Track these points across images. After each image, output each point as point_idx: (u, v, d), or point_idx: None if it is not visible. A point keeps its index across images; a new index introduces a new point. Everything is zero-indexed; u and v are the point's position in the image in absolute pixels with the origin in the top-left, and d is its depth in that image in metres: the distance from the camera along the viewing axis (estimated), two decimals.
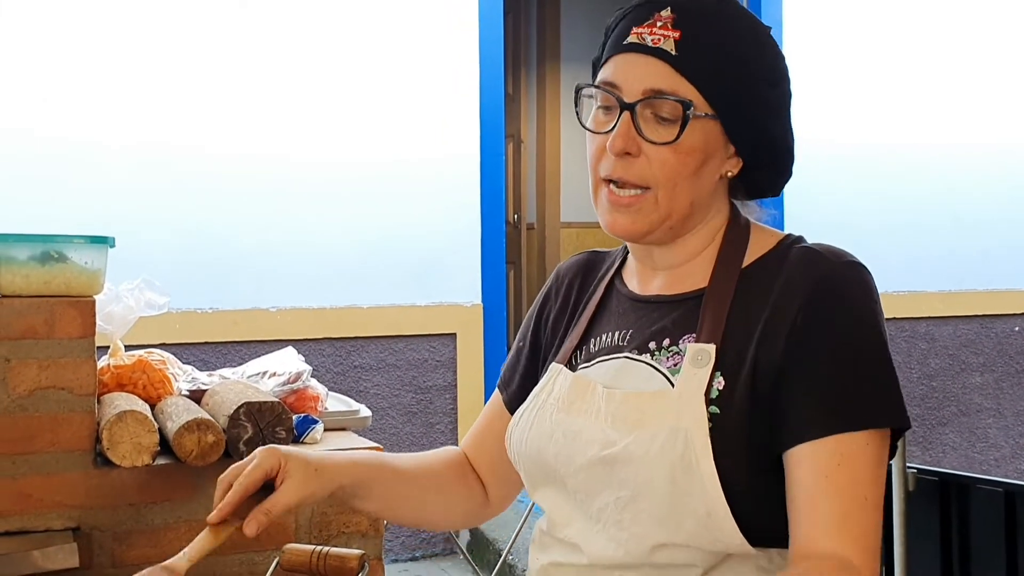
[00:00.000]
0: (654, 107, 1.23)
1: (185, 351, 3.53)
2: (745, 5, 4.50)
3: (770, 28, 1.32)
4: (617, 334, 1.33)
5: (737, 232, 1.31)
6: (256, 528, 1.25)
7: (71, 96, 3.61)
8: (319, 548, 1.32)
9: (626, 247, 1.41)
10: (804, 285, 1.20)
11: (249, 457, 1.30)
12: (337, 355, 4.00)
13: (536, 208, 7.13)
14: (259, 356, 2.25)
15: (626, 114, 1.23)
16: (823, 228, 3.65)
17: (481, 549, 4.08)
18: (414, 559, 4.03)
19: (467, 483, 1.50)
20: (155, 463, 1.69)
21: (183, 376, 2.05)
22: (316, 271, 3.95)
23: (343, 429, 2.07)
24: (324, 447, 1.89)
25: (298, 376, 2.03)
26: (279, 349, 2.24)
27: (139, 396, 1.88)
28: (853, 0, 4.92)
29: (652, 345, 1.27)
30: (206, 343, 3.77)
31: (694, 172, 1.25)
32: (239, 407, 1.73)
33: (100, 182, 3.62)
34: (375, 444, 1.92)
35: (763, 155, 1.31)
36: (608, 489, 1.21)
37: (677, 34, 1.23)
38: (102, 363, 1.91)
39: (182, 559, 1.26)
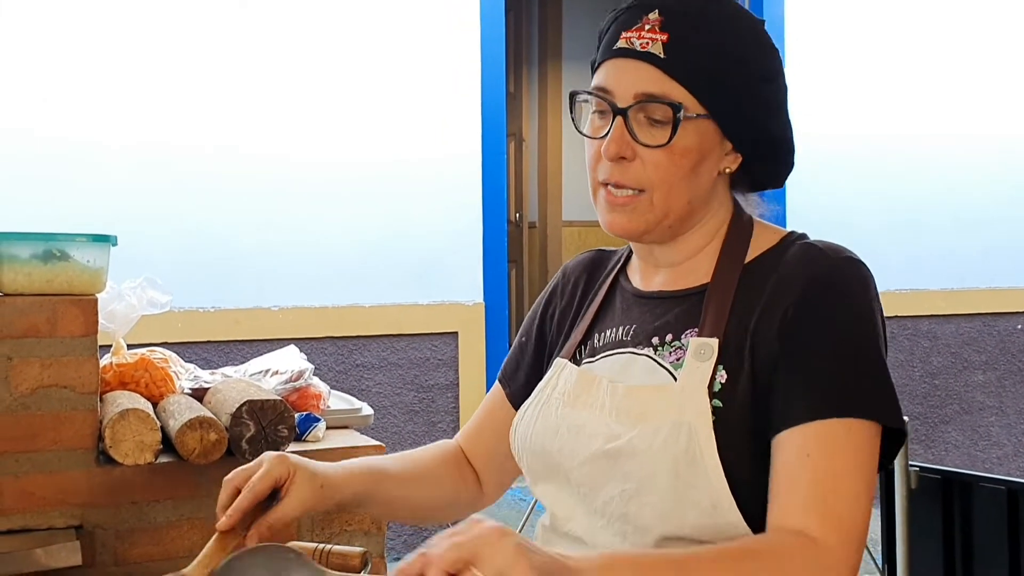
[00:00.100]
0: (646, 111, 1.24)
1: (187, 350, 3.53)
2: (746, 1, 4.52)
3: (763, 22, 1.32)
4: (621, 329, 1.34)
5: (740, 228, 1.32)
6: (258, 539, 1.26)
7: (71, 96, 3.61)
8: (321, 546, 1.32)
9: (631, 245, 1.42)
10: (801, 279, 1.21)
11: (256, 461, 1.30)
12: (339, 354, 4.00)
13: (538, 207, 7.13)
14: (261, 355, 2.25)
15: (619, 119, 1.25)
16: (825, 225, 3.64)
17: None
18: None
19: (462, 476, 1.52)
20: (157, 461, 1.69)
21: (185, 374, 2.06)
22: (318, 270, 3.95)
23: (345, 427, 2.07)
24: (326, 445, 1.89)
25: (300, 374, 2.04)
26: (281, 348, 2.24)
27: (141, 394, 1.88)
28: None
29: (655, 340, 1.28)
30: (208, 342, 3.77)
31: (689, 172, 1.26)
32: (241, 405, 1.73)
33: (101, 182, 3.62)
34: (377, 442, 1.93)
35: (762, 149, 1.32)
36: (612, 482, 1.22)
37: (665, 37, 1.24)
38: (104, 361, 1.91)
39: (200, 569, 1.24)
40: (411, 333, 4.11)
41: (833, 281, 1.20)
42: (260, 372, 2.08)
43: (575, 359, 1.38)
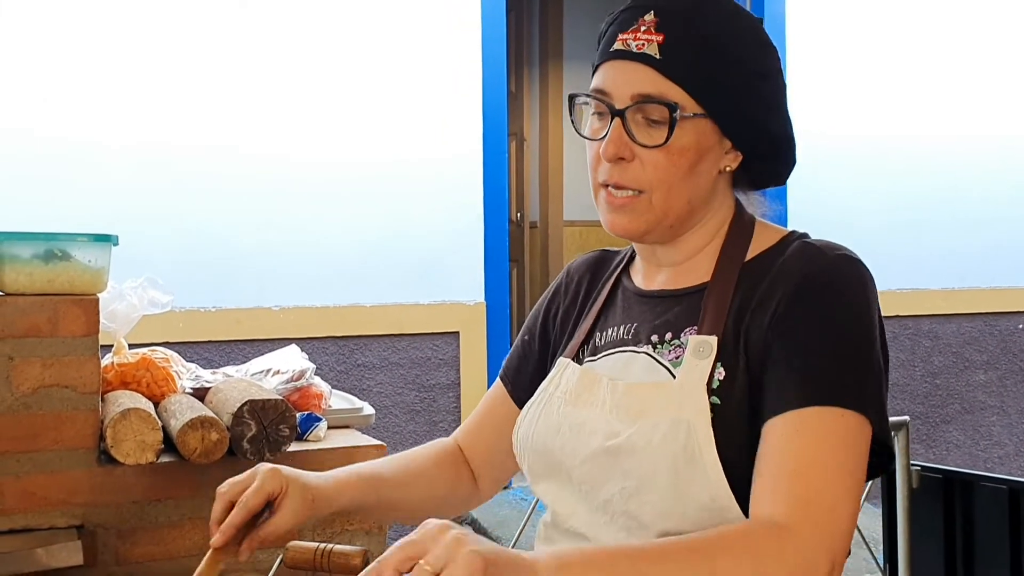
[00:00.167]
0: (644, 111, 1.25)
1: (189, 349, 3.53)
2: (748, 1, 4.51)
3: (760, 20, 1.33)
4: (622, 328, 1.35)
5: (741, 228, 1.33)
6: (249, 554, 1.29)
7: (71, 96, 3.61)
8: (323, 545, 1.33)
9: (633, 245, 1.43)
10: (795, 274, 1.22)
11: (249, 474, 1.31)
12: (340, 353, 4.00)
13: (539, 206, 7.13)
14: (262, 354, 2.25)
15: (617, 120, 1.26)
16: (826, 225, 3.64)
17: None
18: None
19: (456, 474, 1.54)
20: (159, 461, 1.69)
21: (187, 374, 2.06)
22: (319, 270, 3.95)
23: (346, 427, 2.07)
24: (327, 445, 1.89)
25: (301, 374, 2.04)
26: (282, 347, 2.24)
27: (143, 394, 1.88)
28: None
29: (655, 338, 1.29)
30: (209, 341, 3.77)
31: (688, 172, 1.27)
32: (243, 405, 1.73)
33: (101, 182, 3.62)
34: (378, 442, 1.93)
35: (762, 147, 1.32)
36: (613, 480, 1.23)
37: (660, 38, 1.25)
38: (106, 361, 1.91)
39: None
40: (412, 333, 4.11)
41: (827, 276, 1.21)
42: (261, 372, 2.08)
43: (578, 358, 1.39)
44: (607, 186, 1.29)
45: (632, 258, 1.45)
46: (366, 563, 1.29)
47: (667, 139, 1.24)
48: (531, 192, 7.10)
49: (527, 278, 7.07)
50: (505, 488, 4.46)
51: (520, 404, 1.46)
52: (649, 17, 1.26)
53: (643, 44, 1.25)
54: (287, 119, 3.90)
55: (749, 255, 1.29)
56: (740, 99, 1.27)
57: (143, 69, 3.70)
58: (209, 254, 3.78)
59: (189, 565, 1.64)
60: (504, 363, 1.57)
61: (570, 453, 1.29)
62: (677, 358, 1.25)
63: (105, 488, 1.67)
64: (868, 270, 1.23)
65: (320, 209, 3.94)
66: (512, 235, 6.09)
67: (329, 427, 2.00)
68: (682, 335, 1.27)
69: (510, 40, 4.87)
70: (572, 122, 1.36)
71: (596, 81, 1.30)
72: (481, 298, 4.23)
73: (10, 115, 3.53)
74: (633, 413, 1.23)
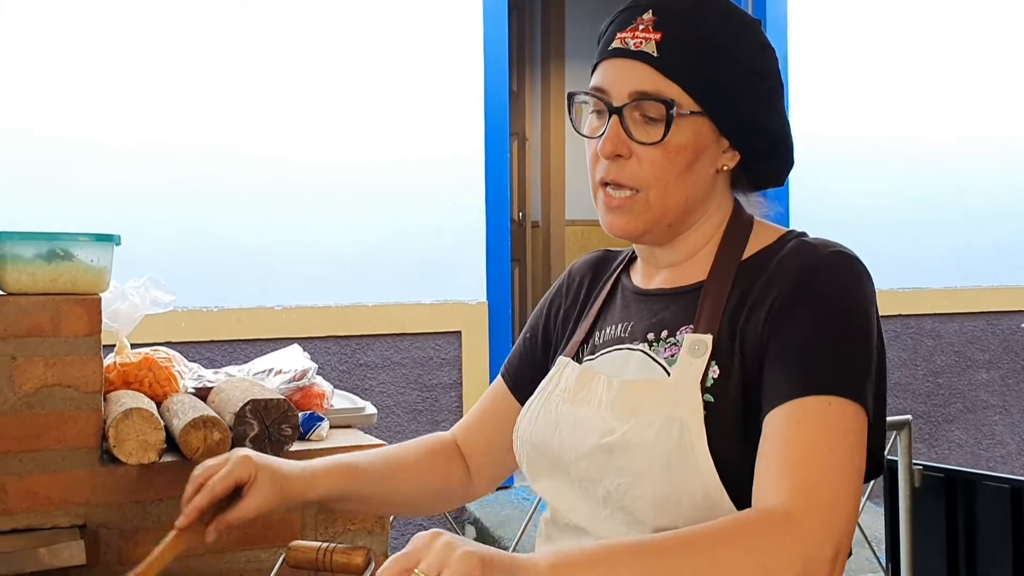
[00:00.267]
0: (642, 109, 1.27)
1: (191, 349, 3.53)
2: (750, 2, 4.51)
3: (759, 21, 1.34)
4: (620, 327, 1.37)
5: (739, 227, 1.34)
6: (215, 536, 1.33)
7: (71, 96, 3.61)
8: (325, 545, 1.33)
9: (633, 246, 1.45)
10: (792, 270, 1.23)
11: (223, 458, 1.36)
12: (342, 353, 4.00)
13: (541, 206, 7.13)
14: (265, 354, 2.25)
15: (615, 118, 1.27)
16: (828, 224, 3.64)
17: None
18: None
19: (448, 469, 1.55)
20: (161, 460, 1.69)
21: (189, 374, 2.06)
22: (321, 270, 3.95)
23: (349, 427, 2.07)
24: (330, 444, 1.90)
25: (304, 374, 2.04)
26: (285, 347, 2.24)
27: (145, 394, 1.88)
28: None
29: (651, 336, 1.31)
30: (212, 341, 3.77)
31: (685, 170, 1.28)
32: (245, 404, 1.73)
33: (101, 182, 3.62)
34: (380, 442, 1.93)
35: (759, 146, 1.33)
36: (609, 476, 1.25)
37: (658, 36, 1.26)
38: (108, 361, 1.91)
39: (155, 565, 1.31)
40: (414, 332, 4.11)
41: (825, 271, 1.22)
42: (264, 371, 2.08)
43: (577, 357, 1.40)
44: (606, 185, 1.30)
45: (633, 258, 1.46)
46: (368, 563, 1.29)
47: (664, 136, 1.25)
48: (533, 192, 7.10)
49: (529, 278, 7.07)
50: (507, 488, 4.46)
51: (520, 401, 1.47)
52: (648, 16, 1.28)
53: (641, 42, 1.26)
54: (290, 119, 3.90)
55: (746, 254, 1.30)
56: (737, 98, 1.28)
57: (143, 69, 3.70)
58: (211, 254, 3.79)
59: (192, 565, 1.65)
60: (506, 360, 1.58)
61: (568, 450, 1.30)
62: (672, 356, 1.26)
63: (107, 488, 1.67)
64: (865, 267, 1.24)
65: (322, 209, 3.94)
66: (514, 235, 6.10)
67: (331, 427, 2.00)
68: (678, 333, 1.28)
69: (512, 40, 4.87)
70: (571, 121, 1.38)
71: (595, 79, 1.32)
72: (483, 298, 4.23)
73: (10, 115, 3.53)
74: (628, 410, 1.24)
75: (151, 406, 1.75)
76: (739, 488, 1.16)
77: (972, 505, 2.58)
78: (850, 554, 1.15)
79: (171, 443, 1.71)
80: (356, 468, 1.46)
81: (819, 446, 1.11)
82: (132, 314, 1.93)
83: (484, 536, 4.09)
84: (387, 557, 1.77)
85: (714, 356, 1.22)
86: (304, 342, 2.66)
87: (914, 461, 2.70)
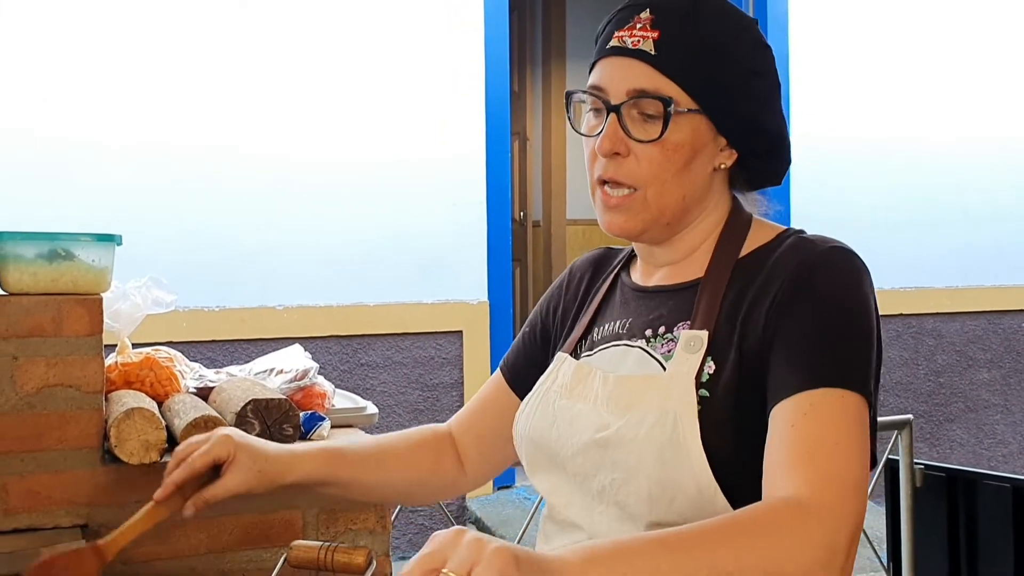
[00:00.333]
0: (639, 107, 1.27)
1: (192, 349, 3.53)
2: (750, 2, 4.51)
3: (756, 20, 1.35)
4: (618, 323, 1.38)
5: (737, 225, 1.35)
6: (193, 511, 1.36)
7: (71, 96, 3.62)
8: (326, 544, 1.33)
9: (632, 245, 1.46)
10: (789, 266, 1.23)
11: (205, 436, 1.39)
12: (344, 353, 4.00)
13: (542, 205, 7.13)
14: (266, 354, 2.25)
15: (612, 116, 1.28)
16: (830, 224, 3.64)
17: None
18: None
19: (438, 459, 1.56)
20: (163, 460, 1.68)
21: (190, 373, 2.05)
22: (323, 270, 3.96)
23: (350, 426, 2.07)
24: None
25: (305, 373, 2.03)
26: (286, 347, 2.24)
27: (146, 393, 1.88)
28: None
29: (648, 332, 1.32)
30: (213, 341, 3.78)
31: (682, 167, 1.28)
32: (246, 404, 1.73)
33: (102, 182, 3.63)
34: None
35: (756, 144, 1.34)
36: (603, 471, 1.26)
37: (656, 34, 1.27)
38: (109, 361, 1.91)
39: (116, 539, 1.36)
40: (416, 332, 4.11)
41: (825, 266, 1.22)
42: (265, 371, 2.08)
43: (575, 353, 1.41)
44: (604, 184, 1.31)
45: (633, 256, 1.47)
46: (369, 562, 1.29)
47: (662, 133, 1.25)
48: (534, 191, 7.10)
49: (530, 277, 7.07)
50: (508, 488, 4.46)
51: (518, 395, 1.49)
52: (645, 15, 1.29)
53: (639, 40, 1.27)
54: (291, 119, 3.90)
55: (744, 251, 1.31)
56: (735, 96, 1.29)
57: (143, 69, 3.70)
58: (213, 254, 3.79)
59: (194, 564, 1.65)
60: (505, 355, 1.59)
61: (564, 445, 1.31)
62: (669, 351, 1.27)
63: (109, 487, 1.67)
64: (863, 261, 1.25)
65: (324, 208, 3.94)
66: (515, 234, 6.10)
67: (332, 426, 2.00)
68: (675, 329, 1.29)
69: (513, 39, 4.87)
70: (569, 119, 1.38)
71: (592, 78, 1.33)
72: (484, 297, 4.23)
73: (10, 115, 3.54)
74: (623, 405, 1.25)
75: (152, 406, 1.74)
76: (732, 483, 1.17)
77: (973, 504, 2.58)
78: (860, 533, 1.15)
79: (172, 443, 1.71)
80: (341, 453, 1.47)
81: (828, 437, 1.11)
82: (134, 314, 1.93)
83: (485, 534, 4.09)
84: (388, 557, 1.78)
85: (710, 352, 1.23)
86: (305, 342, 2.66)
87: (915, 460, 2.70)
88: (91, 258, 1.72)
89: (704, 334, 1.24)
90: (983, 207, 5.08)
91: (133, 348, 1.97)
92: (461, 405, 4.15)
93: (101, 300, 1.70)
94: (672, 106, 1.25)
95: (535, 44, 7.05)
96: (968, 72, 5.05)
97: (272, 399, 1.75)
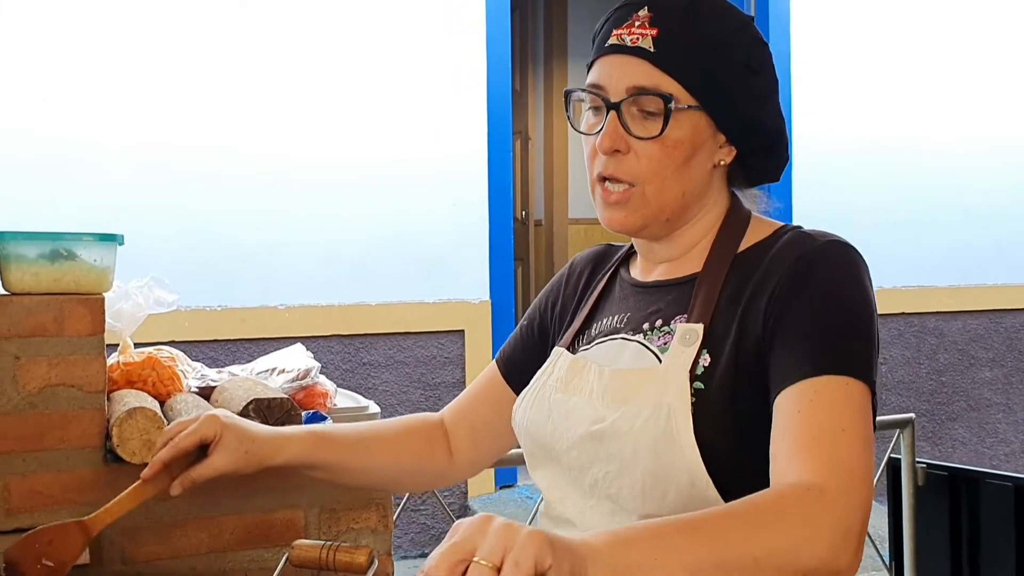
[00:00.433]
0: (639, 104, 1.28)
1: (194, 348, 3.53)
2: (753, 2, 4.51)
3: (752, 18, 1.36)
4: (616, 317, 1.39)
5: (736, 222, 1.36)
6: (180, 490, 1.38)
7: (71, 96, 3.62)
8: (328, 544, 1.33)
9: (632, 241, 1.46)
10: (787, 260, 1.24)
11: (194, 417, 1.40)
12: (346, 352, 4.00)
13: (544, 205, 7.13)
14: (268, 353, 2.25)
15: (612, 113, 1.29)
16: (832, 222, 3.62)
17: None
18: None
19: (428, 447, 1.57)
20: None
21: (192, 373, 2.06)
22: (324, 269, 3.96)
23: None
24: None
25: (307, 373, 2.03)
26: (288, 346, 2.24)
27: (148, 393, 1.88)
28: None
29: (646, 326, 1.33)
30: (215, 340, 3.78)
31: (682, 164, 1.29)
32: (248, 403, 1.73)
33: (102, 182, 3.63)
34: None
35: (755, 141, 1.35)
36: (597, 464, 1.26)
37: (655, 32, 1.28)
38: (111, 360, 1.91)
39: (101, 515, 1.38)
40: (418, 331, 4.12)
41: (820, 259, 1.23)
42: (267, 370, 2.08)
43: (572, 347, 1.42)
44: (603, 180, 1.32)
45: (633, 252, 1.48)
46: (371, 562, 1.29)
47: (662, 130, 1.26)
48: (536, 190, 7.10)
49: (532, 276, 7.08)
50: (510, 487, 4.46)
51: (512, 387, 1.51)
52: (643, 13, 1.30)
53: (638, 38, 1.28)
54: (294, 119, 3.90)
55: (742, 247, 1.32)
56: (734, 93, 1.30)
57: (143, 69, 3.70)
58: (214, 254, 3.79)
59: (195, 564, 1.65)
60: (502, 347, 1.61)
61: (560, 439, 1.32)
62: (665, 344, 1.27)
63: (111, 487, 1.67)
64: (861, 255, 1.26)
65: (325, 208, 3.95)
66: (517, 233, 6.10)
67: None
68: (672, 323, 1.30)
69: (514, 39, 4.87)
70: (568, 118, 1.39)
71: (591, 76, 1.33)
72: (486, 296, 4.23)
73: (10, 115, 3.54)
74: (619, 399, 1.26)
75: (154, 405, 1.75)
76: (725, 477, 1.18)
77: (975, 503, 2.58)
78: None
79: None
80: (329, 436, 1.48)
81: (834, 424, 1.12)
82: (135, 314, 1.93)
83: None
84: (390, 556, 1.78)
85: (705, 345, 1.23)
86: (307, 341, 2.66)
87: (917, 459, 2.70)
88: (93, 258, 1.73)
89: (700, 327, 1.24)
90: (983, 206, 5.08)
91: (135, 348, 1.97)
92: None
93: (103, 300, 1.70)
94: (672, 103, 1.26)
95: (537, 43, 7.05)
96: (968, 72, 5.05)
97: (274, 398, 1.75)
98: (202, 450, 1.39)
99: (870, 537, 2.75)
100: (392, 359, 4.08)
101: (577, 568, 0.90)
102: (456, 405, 1.62)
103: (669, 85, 1.27)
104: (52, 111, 3.59)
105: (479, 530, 0.87)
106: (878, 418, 1.25)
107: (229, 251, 3.82)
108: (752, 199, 1.41)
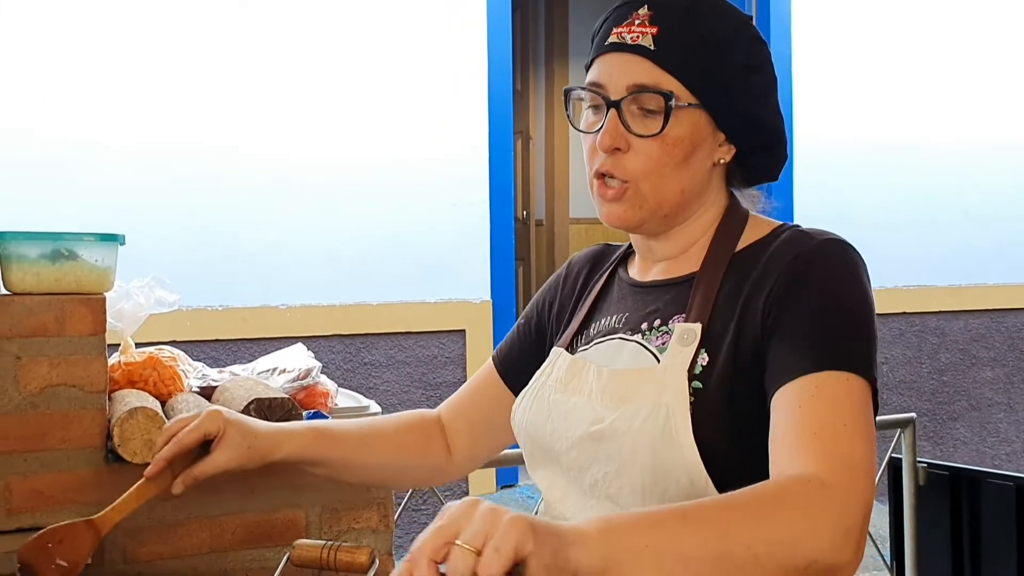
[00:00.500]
0: (639, 101, 1.28)
1: (195, 348, 3.53)
2: (754, 2, 4.51)
3: (751, 17, 1.37)
4: (615, 317, 1.39)
5: (734, 221, 1.36)
6: (182, 488, 1.38)
7: (71, 96, 3.62)
8: (329, 543, 1.33)
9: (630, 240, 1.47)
10: (785, 259, 1.24)
11: (195, 414, 1.41)
12: (347, 352, 4.00)
13: (545, 204, 7.13)
14: (269, 353, 2.25)
15: (613, 111, 1.29)
16: (833, 222, 3.62)
17: None
18: None
19: (426, 444, 1.58)
20: None
21: (194, 373, 2.06)
22: (325, 269, 3.96)
23: None
24: None
25: (308, 372, 2.03)
26: (289, 346, 2.24)
27: (150, 393, 1.88)
28: None
29: (644, 326, 1.33)
30: (216, 340, 3.78)
31: (682, 162, 1.30)
32: (249, 403, 1.73)
33: (102, 182, 3.63)
34: None
35: (754, 140, 1.35)
36: (596, 464, 1.26)
37: (655, 30, 1.28)
38: (113, 360, 1.91)
39: (116, 512, 1.38)
40: (419, 331, 4.11)
41: (818, 257, 1.23)
42: (268, 370, 2.08)
43: (571, 348, 1.43)
44: (601, 176, 1.32)
45: (631, 251, 1.49)
46: (372, 561, 1.30)
47: (662, 128, 1.26)
48: (537, 190, 7.10)
49: (533, 276, 7.08)
50: (511, 487, 4.47)
51: (509, 386, 1.52)
52: (643, 11, 1.30)
53: (638, 36, 1.29)
54: (294, 119, 3.90)
55: (740, 246, 1.32)
56: (733, 91, 1.30)
57: (143, 69, 3.70)
58: (215, 254, 3.79)
59: (196, 564, 1.65)
60: (499, 346, 1.61)
61: (559, 439, 1.32)
62: (664, 344, 1.28)
63: (112, 487, 1.67)
64: (859, 253, 1.26)
65: (326, 208, 3.95)
66: (518, 233, 6.10)
67: None
68: (670, 322, 1.30)
69: (516, 38, 4.87)
70: (568, 117, 1.40)
71: (591, 75, 1.34)
72: (487, 296, 4.23)
73: (10, 115, 3.54)
74: (617, 399, 1.26)
75: (156, 405, 1.75)
76: (724, 476, 1.17)
77: (977, 503, 2.58)
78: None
79: None
80: (330, 433, 1.49)
81: (835, 419, 1.11)
82: (136, 313, 1.93)
83: None
84: (391, 556, 1.78)
85: (704, 344, 1.24)
86: (308, 341, 2.66)
87: (919, 459, 2.70)
88: (94, 258, 1.73)
89: (698, 327, 1.24)
90: (984, 206, 5.08)
91: (136, 347, 1.98)
92: None
93: (104, 300, 1.70)
94: (673, 100, 1.26)
95: (538, 43, 7.06)
96: (968, 72, 5.05)
97: (275, 398, 1.75)
98: (204, 447, 1.39)
99: (871, 536, 2.75)
100: (393, 359, 4.08)
101: (560, 554, 0.89)
102: (453, 402, 1.62)
103: (669, 83, 1.27)
104: (52, 111, 3.59)
105: (465, 514, 0.87)
106: (879, 417, 1.25)
107: (230, 251, 3.82)
108: (750, 199, 1.41)
